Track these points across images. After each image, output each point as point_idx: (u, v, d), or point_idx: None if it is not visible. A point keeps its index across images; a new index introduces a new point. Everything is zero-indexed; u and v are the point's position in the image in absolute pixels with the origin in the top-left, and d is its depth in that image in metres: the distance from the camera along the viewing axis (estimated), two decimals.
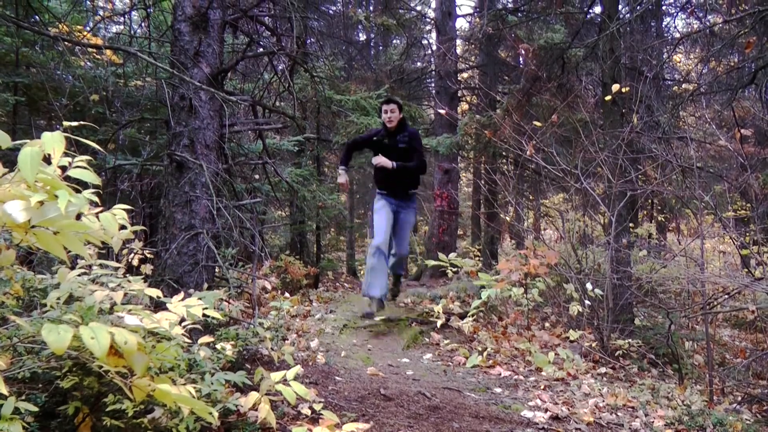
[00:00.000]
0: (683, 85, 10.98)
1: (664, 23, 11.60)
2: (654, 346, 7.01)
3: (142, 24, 6.79)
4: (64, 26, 6.23)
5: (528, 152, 7.22)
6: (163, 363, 2.39)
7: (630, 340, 6.48)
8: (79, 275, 2.67)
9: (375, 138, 6.69)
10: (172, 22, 5.21)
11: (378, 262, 6.41)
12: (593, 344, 6.32)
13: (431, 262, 8.54)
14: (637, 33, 10.34)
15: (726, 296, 6.34)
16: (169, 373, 2.44)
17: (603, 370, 5.79)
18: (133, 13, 6.49)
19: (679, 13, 11.15)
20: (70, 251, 1.77)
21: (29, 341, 2.20)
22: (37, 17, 6.36)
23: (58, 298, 2.38)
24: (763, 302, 6.77)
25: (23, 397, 2.30)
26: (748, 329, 10.08)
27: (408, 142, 6.53)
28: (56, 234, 1.70)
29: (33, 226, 1.65)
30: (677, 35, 10.64)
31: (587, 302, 6.53)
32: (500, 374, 5.31)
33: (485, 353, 5.82)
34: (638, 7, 7.61)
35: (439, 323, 6.72)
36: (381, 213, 6.66)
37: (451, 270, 9.34)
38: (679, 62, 14.76)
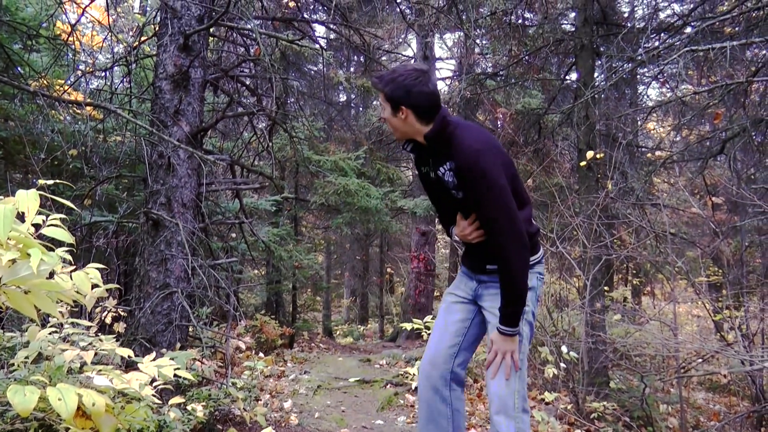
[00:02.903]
0: (656, 153, 11.21)
1: (639, 91, 11.89)
2: (629, 408, 6.97)
3: (124, 80, 6.83)
4: (44, 80, 6.24)
5: None
6: (132, 424, 2.35)
7: (605, 402, 6.44)
8: (50, 334, 2.63)
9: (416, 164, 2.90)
10: (154, 79, 5.25)
11: (431, 397, 2.81)
12: (568, 407, 6.28)
13: (406, 325, 8.42)
14: (612, 100, 10.59)
15: (700, 360, 6.36)
16: None
17: None
18: (115, 68, 6.53)
19: (653, 83, 11.47)
20: (41, 310, 1.75)
21: None
22: (19, 69, 6.38)
23: (26, 357, 2.34)
24: (735, 366, 6.80)
25: None
26: (722, 392, 10.09)
27: (459, 183, 2.64)
28: (27, 293, 1.68)
29: (4, 284, 1.64)
30: (650, 104, 10.91)
31: (563, 365, 6.51)
32: None
33: None
34: (613, 76, 7.81)
35: (414, 385, 6.66)
36: (448, 298, 3.00)
37: (426, 332, 9.26)
38: (653, 130, 15.09)
